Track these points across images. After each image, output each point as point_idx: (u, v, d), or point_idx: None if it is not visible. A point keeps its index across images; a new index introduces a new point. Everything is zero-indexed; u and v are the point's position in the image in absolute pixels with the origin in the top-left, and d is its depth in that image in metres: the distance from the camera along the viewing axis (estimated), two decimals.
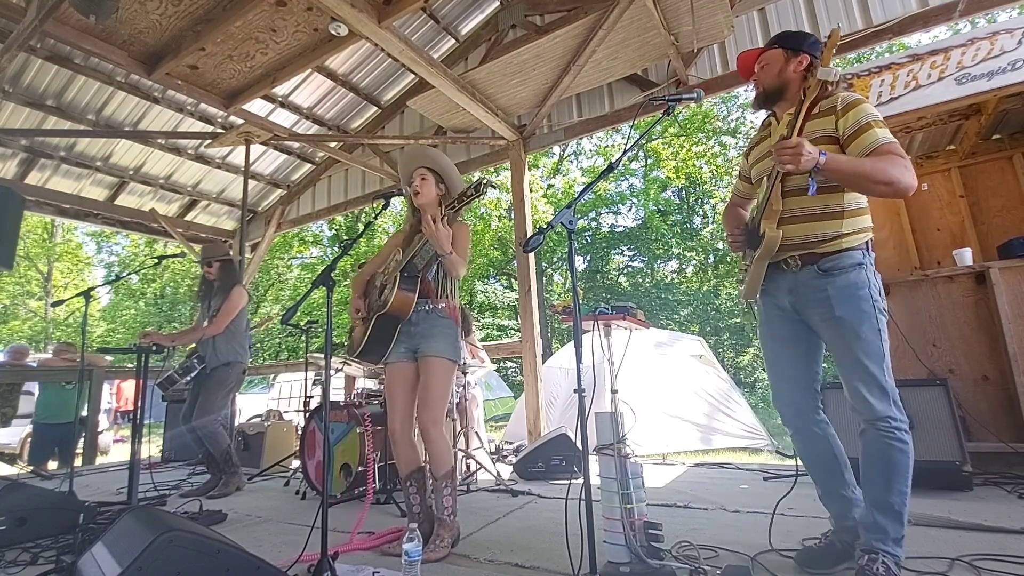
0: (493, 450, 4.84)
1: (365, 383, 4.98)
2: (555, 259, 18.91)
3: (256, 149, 6.00)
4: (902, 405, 1.59)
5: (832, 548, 1.71)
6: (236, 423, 5.05)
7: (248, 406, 10.30)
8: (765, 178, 1.77)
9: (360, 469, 3.14)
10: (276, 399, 11.70)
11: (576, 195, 1.80)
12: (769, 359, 1.86)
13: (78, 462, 5.12)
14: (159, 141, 5.85)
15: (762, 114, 1.93)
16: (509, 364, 16.66)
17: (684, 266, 19.13)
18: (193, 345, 3.69)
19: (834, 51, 1.61)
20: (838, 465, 1.75)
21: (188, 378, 3.49)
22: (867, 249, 1.65)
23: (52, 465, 5.15)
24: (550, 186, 17.90)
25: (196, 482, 3.84)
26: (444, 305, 2.30)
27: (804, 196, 1.64)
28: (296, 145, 6.51)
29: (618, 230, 19.77)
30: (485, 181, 2.11)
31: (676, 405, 5.78)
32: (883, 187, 1.52)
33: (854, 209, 1.65)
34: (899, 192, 1.52)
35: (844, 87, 1.72)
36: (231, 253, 4.02)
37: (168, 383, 3.46)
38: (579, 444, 1.60)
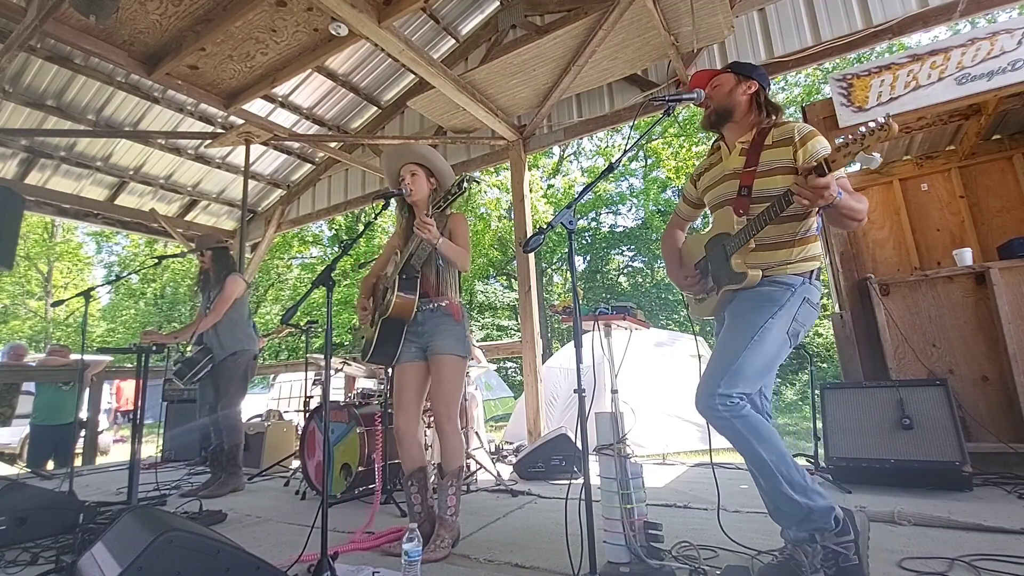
0: (493, 450, 4.83)
1: (365, 383, 4.98)
2: (555, 259, 18.90)
3: (256, 149, 6.00)
4: (749, 405, 1.61)
5: (792, 561, 1.62)
6: None
7: (248, 406, 10.26)
8: (729, 207, 1.77)
9: (360, 469, 3.14)
10: (276, 399, 11.70)
11: (576, 195, 1.80)
12: None
13: (78, 462, 5.12)
14: (159, 141, 5.84)
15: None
16: (509, 364, 16.66)
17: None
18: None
19: (883, 141, 1.48)
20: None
21: (199, 370, 3.48)
22: (809, 279, 1.69)
23: (50, 467, 5.15)
24: (550, 186, 17.90)
25: (196, 482, 3.84)
26: (447, 303, 2.30)
27: (771, 226, 1.68)
28: (296, 145, 6.51)
29: (618, 230, 19.77)
30: (468, 177, 2.11)
31: (676, 405, 5.78)
32: (856, 224, 1.61)
33: (804, 237, 1.70)
34: (861, 226, 1.64)
35: (786, 117, 1.80)
36: (225, 242, 4.01)
37: (179, 376, 3.46)
38: (579, 444, 1.60)
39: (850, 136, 1.41)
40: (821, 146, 1.64)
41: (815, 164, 1.48)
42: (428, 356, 2.28)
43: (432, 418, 3.27)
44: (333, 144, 6.17)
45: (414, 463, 2.26)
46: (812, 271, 1.70)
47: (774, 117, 1.79)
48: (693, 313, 1.99)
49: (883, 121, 1.36)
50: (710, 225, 1.91)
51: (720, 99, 1.82)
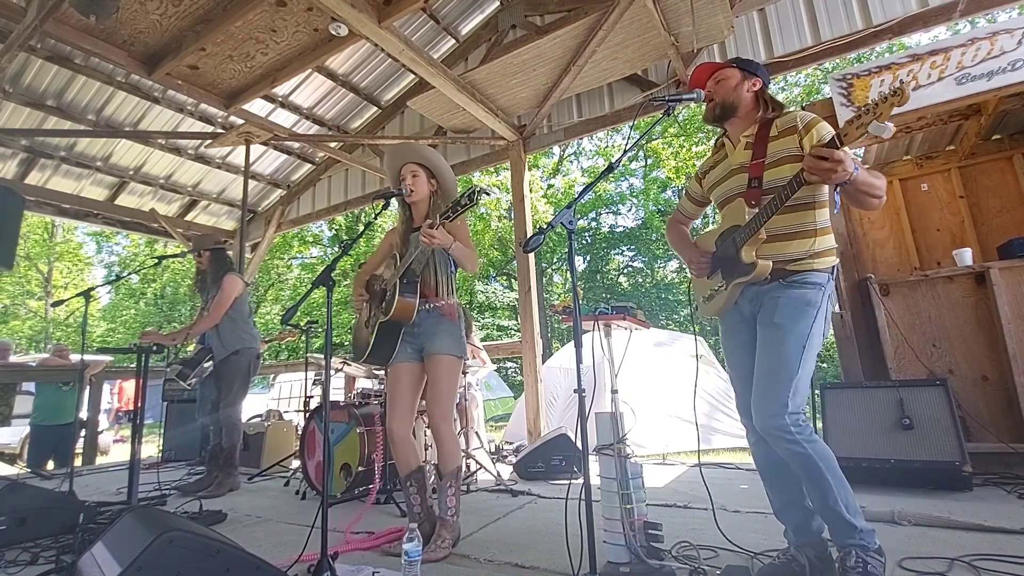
0: (493, 450, 4.83)
1: (365, 383, 4.98)
2: (555, 259, 18.91)
3: (256, 149, 6.00)
4: (810, 421, 1.59)
5: (795, 563, 1.63)
6: None
7: (248, 406, 10.27)
8: (741, 199, 1.75)
9: (360, 469, 3.14)
10: (276, 399, 11.70)
11: (576, 195, 1.79)
12: (734, 366, 1.84)
13: (78, 462, 5.11)
14: (159, 141, 5.84)
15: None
16: (509, 364, 16.66)
17: (684, 266, 19.09)
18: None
19: (893, 110, 1.40)
20: (798, 476, 1.71)
21: (200, 370, 3.47)
22: (831, 274, 1.68)
23: (50, 467, 5.15)
24: (550, 186, 17.90)
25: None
26: (443, 303, 2.31)
27: (779, 215, 1.66)
28: (296, 145, 6.51)
29: (618, 230, 19.76)
30: (479, 190, 2.01)
31: (676, 405, 5.77)
32: (876, 200, 1.59)
33: (824, 227, 1.68)
34: (881, 204, 1.60)
35: (791, 108, 1.80)
36: (222, 241, 4.02)
37: (181, 377, 3.46)
38: (579, 444, 1.60)
39: (862, 107, 1.41)
40: (827, 130, 1.65)
41: (829, 139, 1.49)
42: (424, 356, 2.28)
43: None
44: (333, 144, 6.17)
45: (410, 465, 2.26)
46: (834, 267, 1.68)
47: (776, 112, 1.79)
48: (701, 312, 1.95)
49: (897, 86, 1.35)
50: (719, 223, 1.89)
51: (726, 94, 1.81)
